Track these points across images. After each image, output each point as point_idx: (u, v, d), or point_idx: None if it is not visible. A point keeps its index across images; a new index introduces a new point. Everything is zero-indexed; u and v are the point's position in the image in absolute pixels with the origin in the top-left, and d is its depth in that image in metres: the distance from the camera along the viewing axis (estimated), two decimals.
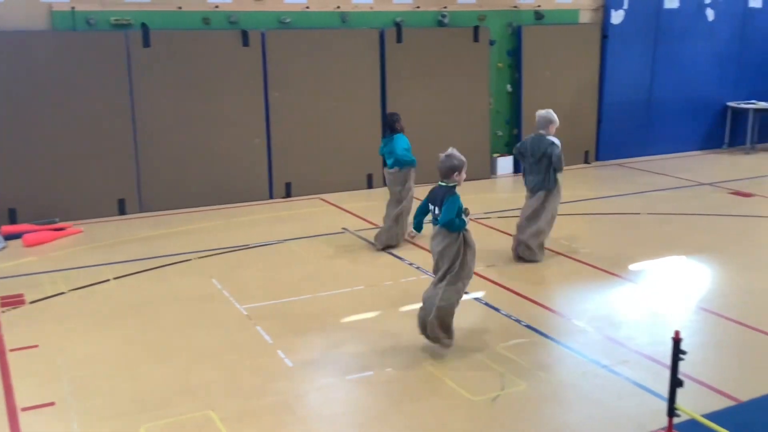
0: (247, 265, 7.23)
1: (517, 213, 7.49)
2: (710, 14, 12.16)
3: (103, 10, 8.75)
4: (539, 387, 4.75)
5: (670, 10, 11.81)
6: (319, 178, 9.97)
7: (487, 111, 10.87)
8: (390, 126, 7.65)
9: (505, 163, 11.18)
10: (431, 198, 5.19)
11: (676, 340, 3.71)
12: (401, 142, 7.50)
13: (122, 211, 9.03)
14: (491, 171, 11.04)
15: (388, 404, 4.58)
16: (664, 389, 3.95)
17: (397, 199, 7.59)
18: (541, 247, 7.15)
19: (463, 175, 5.19)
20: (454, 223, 5.00)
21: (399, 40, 10.08)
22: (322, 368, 5.05)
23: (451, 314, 5.17)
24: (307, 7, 9.69)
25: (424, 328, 5.20)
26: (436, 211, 5.11)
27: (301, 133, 9.80)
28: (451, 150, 5.24)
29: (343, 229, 8.31)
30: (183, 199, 9.27)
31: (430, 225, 5.25)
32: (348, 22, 9.93)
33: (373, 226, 8.37)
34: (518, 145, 7.29)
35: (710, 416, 4.04)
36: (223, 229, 8.45)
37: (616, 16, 11.47)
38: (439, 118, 10.52)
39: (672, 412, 3.76)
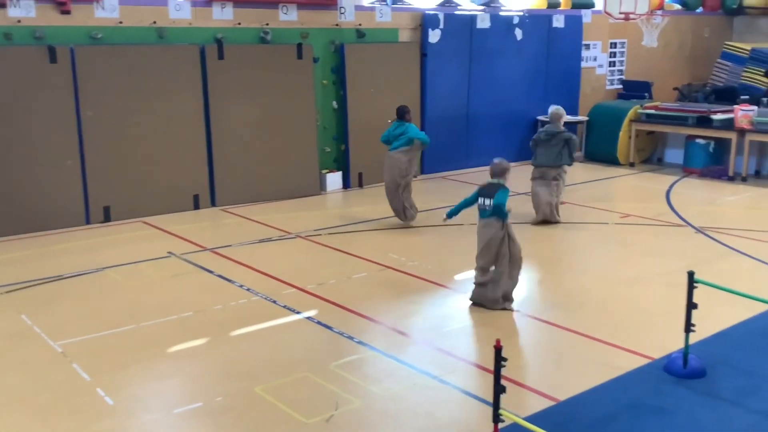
0: (61, 297, 6.72)
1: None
2: (519, 34, 12.94)
3: None
4: (372, 403, 4.77)
5: (482, 30, 12.45)
6: (142, 201, 9.50)
7: (314, 127, 10.89)
8: (401, 116, 8.96)
9: (334, 179, 11.24)
10: (482, 192, 6.32)
11: (497, 348, 3.85)
12: (416, 128, 9.02)
13: None
14: (321, 187, 11.06)
15: None
16: (490, 395, 4.09)
17: (402, 175, 8.77)
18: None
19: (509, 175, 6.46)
20: (503, 209, 6.14)
21: (221, 56, 9.87)
22: (146, 403, 4.78)
23: (510, 294, 6.37)
24: (120, 22, 9.24)
25: (481, 304, 6.37)
26: (486, 202, 6.21)
27: (120, 153, 9.30)
28: (499, 159, 6.50)
29: (169, 253, 7.97)
30: None
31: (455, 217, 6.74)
32: (165, 38, 9.57)
33: (201, 248, 8.10)
34: (534, 137, 9.42)
35: (531, 418, 4.24)
36: (33, 259, 7.82)
37: (433, 36, 11.92)
38: (267, 135, 10.41)
39: (497, 418, 3.89)
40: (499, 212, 6.20)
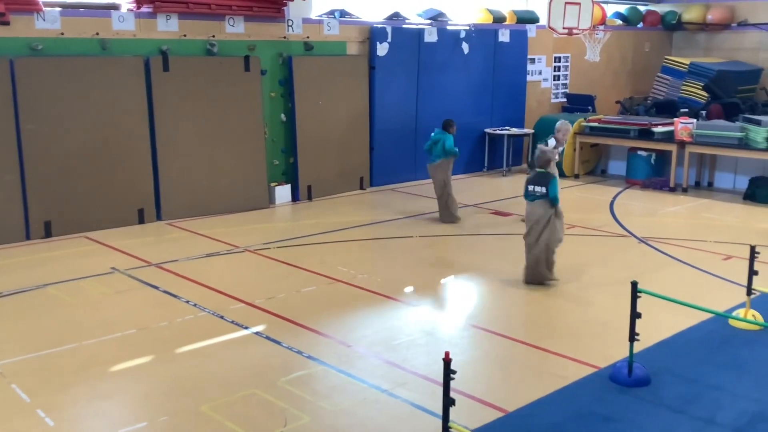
0: None
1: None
2: (465, 48, 13.10)
3: None
4: (321, 418, 4.73)
5: (430, 44, 12.56)
6: (84, 215, 9.28)
7: (263, 140, 10.81)
8: (444, 127, 9.75)
9: (283, 192, 11.16)
10: (532, 182, 7.14)
11: (446, 361, 3.86)
12: (451, 140, 9.64)
13: None
14: (270, 200, 10.97)
15: None
16: (440, 408, 4.09)
17: (441, 186, 9.70)
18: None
19: (554, 164, 7.34)
20: (557, 197, 7.02)
21: (166, 68, 9.73)
22: (89, 424, 4.65)
23: (551, 260, 7.20)
24: (62, 34, 9.04)
25: (529, 279, 7.26)
26: (536, 189, 7.06)
27: (61, 167, 9.07)
28: (544, 147, 7.50)
29: (112, 269, 7.79)
30: None
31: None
32: (109, 49, 9.40)
33: (146, 264, 7.94)
34: None
35: (480, 430, 4.26)
36: None
37: (381, 49, 11.98)
38: (214, 148, 10.29)
39: (446, 431, 3.90)
40: (554, 200, 7.03)
